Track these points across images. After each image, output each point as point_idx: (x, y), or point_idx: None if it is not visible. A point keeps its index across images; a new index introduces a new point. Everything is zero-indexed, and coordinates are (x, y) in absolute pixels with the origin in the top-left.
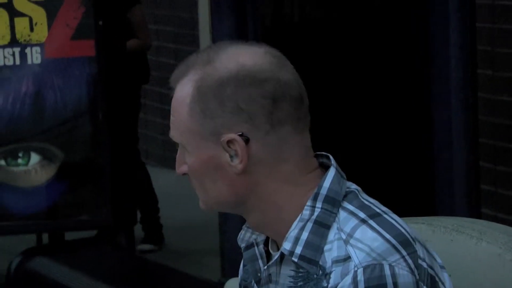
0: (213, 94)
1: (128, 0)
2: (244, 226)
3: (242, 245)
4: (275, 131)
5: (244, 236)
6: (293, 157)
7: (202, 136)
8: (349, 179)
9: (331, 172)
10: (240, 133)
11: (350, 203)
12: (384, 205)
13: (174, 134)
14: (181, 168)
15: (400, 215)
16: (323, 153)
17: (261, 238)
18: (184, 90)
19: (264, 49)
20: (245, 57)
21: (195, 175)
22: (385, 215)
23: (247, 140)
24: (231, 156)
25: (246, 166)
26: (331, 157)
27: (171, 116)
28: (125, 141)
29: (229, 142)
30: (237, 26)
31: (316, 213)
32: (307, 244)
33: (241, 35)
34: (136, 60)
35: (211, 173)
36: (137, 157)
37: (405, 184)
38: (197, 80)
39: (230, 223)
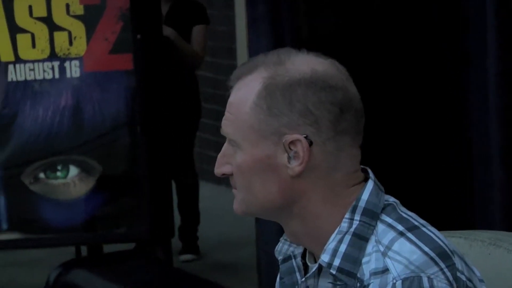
0: (282, 93)
1: (195, 17)
2: (281, 239)
3: (280, 258)
4: (336, 139)
5: (282, 249)
6: (345, 168)
7: (262, 134)
8: (387, 193)
9: (369, 185)
10: (305, 135)
11: (388, 215)
12: (422, 218)
13: (228, 130)
14: (223, 168)
15: (438, 229)
16: (362, 166)
17: (298, 250)
18: (249, 87)
19: (329, 61)
20: (315, 63)
21: (245, 174)
22: (423, 228)
23: (311, 143)
24: (289, 158)
25: (304, 169)
26: (369, 170)
27: (226, 112)
28: (168, 154)
29: (292, 143)
30: (274, 39)
31: (354, 226)
32: (345, 257)
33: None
34: (185, 75)
35: (263, 173)
36: (192, 167)
37: (443, 197)
38: (266, 78)
39: (266, 236)
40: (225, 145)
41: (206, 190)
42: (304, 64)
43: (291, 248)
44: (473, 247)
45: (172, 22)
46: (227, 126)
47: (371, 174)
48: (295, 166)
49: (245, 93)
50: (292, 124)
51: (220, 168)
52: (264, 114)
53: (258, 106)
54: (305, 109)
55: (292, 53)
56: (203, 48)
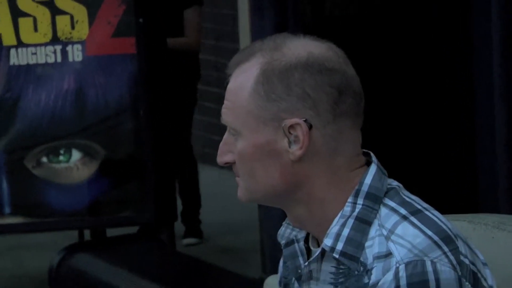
0: (279, 78)
1: None
2: (284, 223)
3: (282, 242)
4: (335, 122)
5: (284, 233)
6: (347, 151)
7: (261, 119)
8: (390, 176)
9: (372, 168)
10: (304, 119)
11: (391, 199)
12: (426, 202)
13: (227, 118)
14: (226, 157)
15: (442, 212)
16: (365, 150)
17: (301, 234)
18: (247, 73)
19: (326, 44)
20: (312, 47)
21: (246, 161)
22: (426, 212)
23: (310, 127)
24: (289, 142)
25: (304, 153)
26: (372, 154)
27: (225, 100)
28: (169, 138)
29: (291, 127)
30: (277, 23)
31: (357, 210)
32: (348, 241)
33: (281, 32)
34: (186, 59)
35: (264, 159)
36: (190, 152)
37: (447, 181)
38: (263, 63)
39: (270, 220)
40: (226, 133)
41: (209, 175)
42: (301, 48)
43: (294, 232)
44: (477, 230)
45: (161, 5)
46: (226, 114)
47: (373, 158)
48: (296, 150)
49: (243, 80)
50: (291, 109)
51: (222, 157)
52: (263, 100)
53: (256, 92)
54: (303, 92)
55: (289, 38)
56: (198, 31)
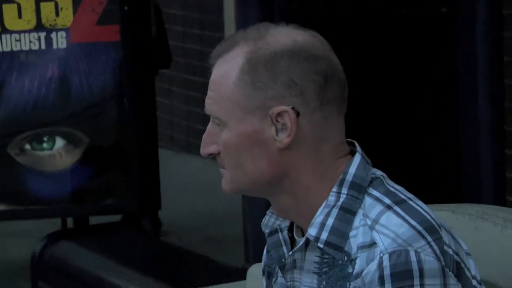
0: (265, 66)
1: None
2: (268, 212)
3: (266, 231)
4: (322, 109)
5: (268, 222)
6: (332, 139)
7: (247, 108)
8: (375, 166)
9: (357, 158)
10: (291, 106)
11: (375, 189)
12: (411, 192)
13: (212, 109)
14: (209, 148)
15: (426, 202)
16: (349, 139)
17: (285, 224)
18: (231, 63)
19: (309, 32)
20: (295, 34)
21: (233, 151)
22: (410, 202)
23: (297, 114)
24: (277, 130)
25: (292, 141)
26: (356, 143)
27: (209, 91)
28: (152, 126)
29: (279, 115)
30: (263, 11)
31: (341, 199)
32: (332, 230)
33: (267, 20)
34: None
35: (251, 149)
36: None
37: (431, 171)
38: (248, 52)
39: (253, 209)
40: (210, 124)
41: (193, 164)
42: (285, 36)
43: (278, 222)
44: (460, 220)
45: None
46: (210, 104)
47: (358, 148)
48: (284, 138)
49: (228, 69)
50: (278, 97)
51: (206, 149)
52: (249, 89)
53: (242, 81)
54: (289, 80)
55: (271, 26)
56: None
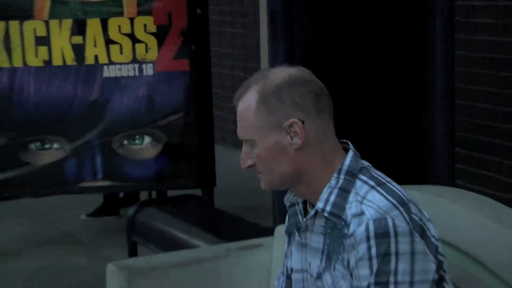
0: (273, 96)
1: None
2: (289, 190)
3: (287, 204)
4: (319, 117)
5: (289, 198)
6: (330, 138)
7: (267, 128)
8: (363, 158)
9: (350, 153)
10: (298, 118)
11: (363, 175)
12: (387, 175)
13: (243, 135)
14: (247, 162)
15: (399, 183)
16: (345, 140)
17: (300, 200)
18: (249, 99)
19: (298, 67)
20: (288, 70)
21: (264, 161)
22: (388, 184)
23: (303, 122)
24: (291, 137)
25: (303, 142)
26: (349, 143)
27: (238, 122)
28: (210, 130)
29: (290, 125)
30: (288, 49)
31: (340, 182)
32: (334, 204)
33: (291, 55)
34: None
35: (276, 155)
36: None
37: (404, 159)
38: (259, 89)
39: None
40: (244, 146)
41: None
42: (282, 72)
43: (295, 198)
44: (423, 196)
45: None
46: (241, 132)
47: (351, 146)
48: (297, 141)
49: (248, 104)
50: (287, 115)
51: (245, 163)
52: (265, 114)
53: (259, 111)
54: (293, 101)
55: (269, 69)
56: None
